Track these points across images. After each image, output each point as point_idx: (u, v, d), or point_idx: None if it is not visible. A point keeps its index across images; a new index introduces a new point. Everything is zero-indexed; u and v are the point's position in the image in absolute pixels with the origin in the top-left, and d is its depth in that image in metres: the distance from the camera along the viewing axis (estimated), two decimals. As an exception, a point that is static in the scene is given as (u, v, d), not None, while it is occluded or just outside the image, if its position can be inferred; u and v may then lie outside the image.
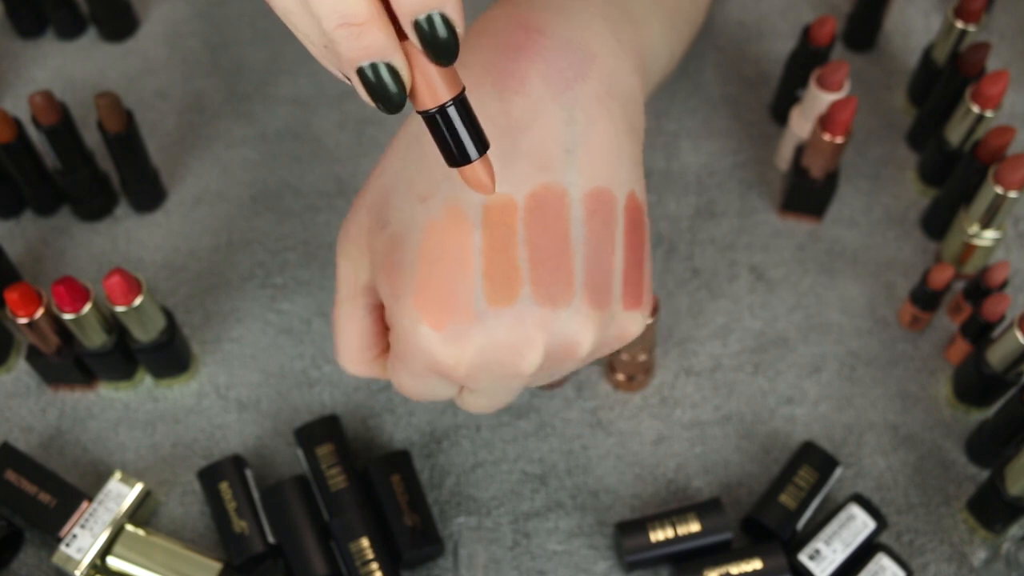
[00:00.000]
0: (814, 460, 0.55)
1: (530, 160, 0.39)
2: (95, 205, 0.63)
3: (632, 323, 0.42)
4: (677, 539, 0.52)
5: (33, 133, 0.60)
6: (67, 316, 0.53)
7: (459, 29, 0.32)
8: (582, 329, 0.39)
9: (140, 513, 0.54)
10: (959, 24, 0.62)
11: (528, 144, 0.39)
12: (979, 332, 0.57)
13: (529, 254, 0.39)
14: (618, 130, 0.41)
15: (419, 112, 0.34)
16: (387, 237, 0.41)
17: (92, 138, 0.64)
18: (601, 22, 0.42)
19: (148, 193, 0.64)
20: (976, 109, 0.59)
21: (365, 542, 0.52)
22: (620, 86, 0.42)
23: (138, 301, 0.53)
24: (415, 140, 0.41)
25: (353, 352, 0.45)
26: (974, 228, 0.59)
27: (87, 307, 0.53)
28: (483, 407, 0.44)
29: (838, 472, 0.55)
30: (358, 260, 0.43)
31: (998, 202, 0.57)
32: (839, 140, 0.58)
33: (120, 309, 0.53)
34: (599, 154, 0.40)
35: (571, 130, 0.39)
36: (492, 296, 0.38)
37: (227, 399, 0.58)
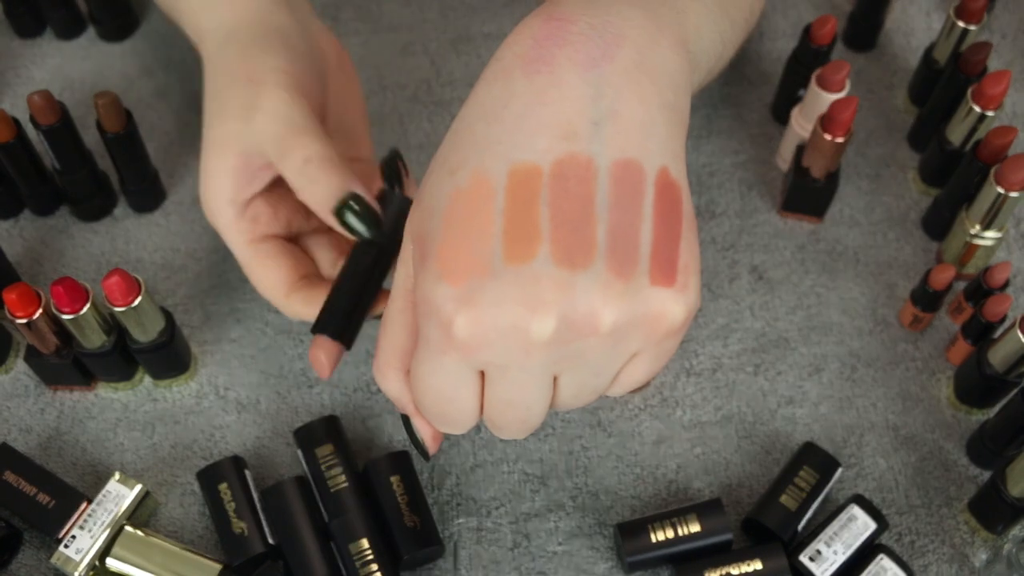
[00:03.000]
0: (815, 461, 0.54)
1: (555, 131, 0.39)
2: (94, 205, 0.63)
3: (667, 303, 0.39)
4: (678, 540, 0.52)
5: (32, 133, 0.60)
6: (66, 316, 0.52)
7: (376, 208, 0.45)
8: (601, 297, 0.38)
9: (139, 514, 0.54)
10: (960, 24, 0.62)
11: (553, 116, 0.40)
12: (980, 333, 0.57)
13: (551, 216, 0.38)
14: (650, 105, 0.41)
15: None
16: (419, 213, 0.42)
17: (91, 138, 0.64)
18: (632, 8, 0.42)
19: (147, 193, 0.63)
20: (977, 109, 0.59)
21: (365, 543, 0.52)
22: (654, 63, 0.42)
23: (137, 301, 0.52)
24: (455, 126, 0.42)
25: (387, 355, 0.45)
26: (975, 228, 0.59)
27: (86, 307, 0.53)
28: (508, 410, 0.42)
29: (839, 473, 0.55)
30: (407, 261, 0.44)
31: (999, 202, 0.56)
32: (840, 140, 0.58)
33: (119, 309, 0.53)
34: (628, 127, 0.40)
35: (599, 105, 0.40)
36: (509, 253, 0.38)
37: (226, 399, 0.58)
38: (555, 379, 0.41)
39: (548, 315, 0.38)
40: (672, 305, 0.40)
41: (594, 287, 0.38)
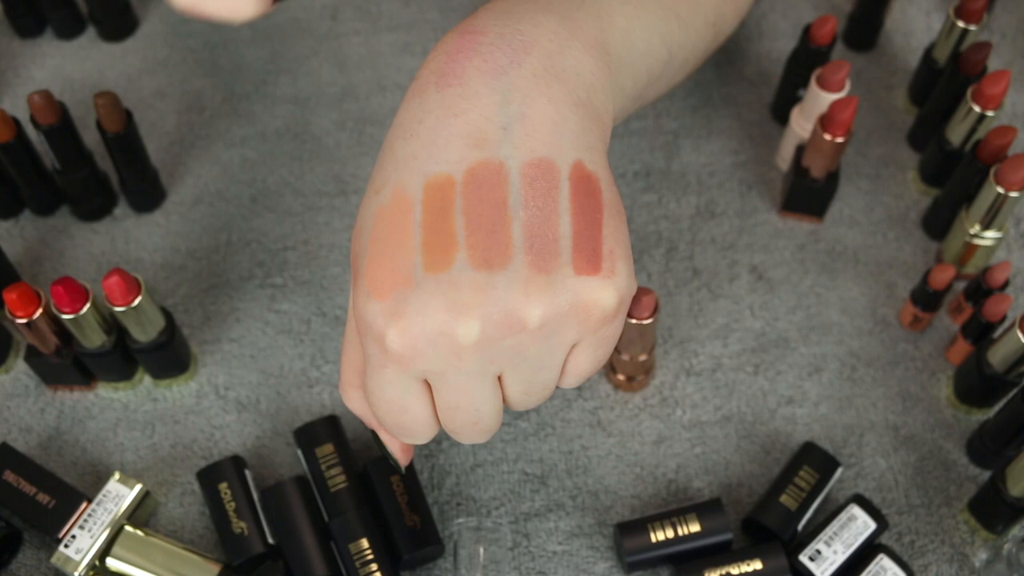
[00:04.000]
0: (815, 461, 0.55)
1: (466, 140, 0.40)
2: (94, 205, 0.63)
3: (596, 291, 0.40)
4: (677, 539, 0.52)
5: (32, 133, 0.60)
6: (66, 316, 0.52)
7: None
8: (523, 293, 0.39)
9: (139, 514, 0.54)
10: (960, 24, 0.62)
11: (463, 126, 0.41)
12: (980, 332, 0.57)
13: (466, 223, 0.40)
14: (560, 104, 0.42)
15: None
16: (354, 236, 0.43)
17: (91, 138, 0.64)
18: (547, 16, 0.44)
19: (147, 193, 0.63)
20: (977, 109, 0.59)
21: (365, 543, 0.52)
22: (564, 66, 0.43)
23: (137, 301, 0.52)
24: (381, 148, 0.43)
25: (348, 374, 0.46)
26: (975, 228, 0.59)
27: (86, 307, 0.53)
28: (457, 414, 0.43)
29: (839, 473, 0.55)
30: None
31: (999, 202, 0.57)
32: (840, 140, 0.58)
33: (119, 309, 0.53)
34: (537, 128, 0.41)
35: (506, 110, 0.41)
36: (428, 263, 0.39)
37: (226, 399, 0.58)
38: (501, 379, 0.42)
39: (471, 318, 0.39)
40: (600, 292, 0.40)
41: (514, 285, 0.39)
